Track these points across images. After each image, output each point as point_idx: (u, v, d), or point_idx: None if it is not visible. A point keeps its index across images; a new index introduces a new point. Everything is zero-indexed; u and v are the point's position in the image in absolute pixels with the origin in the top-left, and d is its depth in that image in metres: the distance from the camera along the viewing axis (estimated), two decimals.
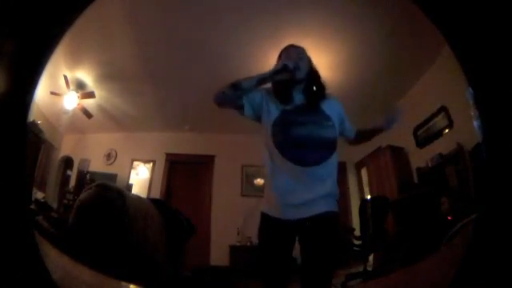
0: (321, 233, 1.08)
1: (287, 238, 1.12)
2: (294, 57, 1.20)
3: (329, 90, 1.27)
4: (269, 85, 1.21)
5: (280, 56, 1.27)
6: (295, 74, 1.15)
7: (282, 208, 1.09)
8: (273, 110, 1.16)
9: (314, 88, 1.22)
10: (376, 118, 3.77)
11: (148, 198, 3.00)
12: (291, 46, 1.27)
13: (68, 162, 3.99)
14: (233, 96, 1.13)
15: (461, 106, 2.31)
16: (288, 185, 1.09)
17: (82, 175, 3.90)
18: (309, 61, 1.27)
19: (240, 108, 1.15)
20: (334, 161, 1.14)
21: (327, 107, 1.20)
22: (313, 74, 1.25)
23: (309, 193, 1.08)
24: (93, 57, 3.09)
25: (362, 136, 1.38)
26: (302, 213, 1.08)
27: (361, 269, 2.71)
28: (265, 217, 1.14)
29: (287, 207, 1.09)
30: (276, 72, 1.13)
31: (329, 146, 1.14)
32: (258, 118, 1.18)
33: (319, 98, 1.21)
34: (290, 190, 1.09)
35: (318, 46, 2.82)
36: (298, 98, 1.19)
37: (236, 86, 1.11)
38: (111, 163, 4.18)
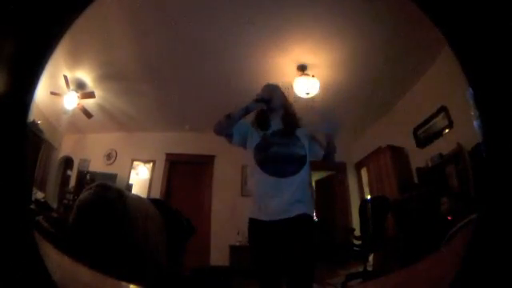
0: (296, 232, 1.29)
1: (270, 237, 1.31)
2: (268, 92, 1.51)
3: (303, 119, 1.56)
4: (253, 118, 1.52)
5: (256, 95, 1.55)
6: (269, 104, 1.47)
7: (264, 212, 1.32)
8: (255, 137, 1.45)
9: (289, 117, 1.51)
10: (376, 117, 3.77)
11: (148, 198, 3.01)
12: (266, 84, 1.58)
13: (68, 162, 3.99)
14: (225, 124, 1.43)
15: (461, 106, 2.31)
16: (267, 193, 1.33)
17: (82, 175, 3.90)
18: (282, 94, 1.57)
19: (230, 136, 1.45)
20: (305, 172, 1.39)
21: (299, 133, 1.47)
22: (287, 106, 1.55)
23: (285, 198, 1.30)
24: (93, 57, 3.09)
25: (327, 155, 1.54)
26: (280, 215, 1.29)
27: (361, 269, 2.71)
28: (251, 221, 1.37)
29: (268, 211, 1.31)
30: (255, 101, 1.44)
31: (300, 161, 1.39)
32: (243, 145, 1.47)
33: (293, 126, 1.49)
34: (270, 197, 1.32)
35: (318, 45, 2.83)
36: (276, 124, 1.47)
37: (228, 116, 1.42)
38: (111, 163, 4.17)
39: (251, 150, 1.43)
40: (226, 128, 1.44)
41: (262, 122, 1.50)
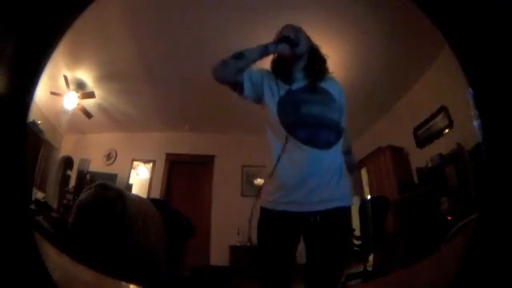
0: (332, 231, 0.96)
1: (291, 235, 0.98)
2: (293, 32, 1.14)
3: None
4: (269, 66, 1.14)
5: (277, 35, 1.20)
6: (295, 49, 1.09)
7: (289, 199, 0.95)
8: (276, 90, 1.07)
9: (316, 66, 1.16)
10: (376, 117, 3.78)
11: (148, 198, 3.00)
12: (287, 25, 1.20)
13: (68, 162, 3.99)
14: (234, 67, 1.04)
15: (461, 105, 2.31)
16: (298, 171, 0.96)
17: (81, 175, 3.90)
18: (308, 38, 1.20)
19: (240, 85, 1.06)
20: (340, 146, 1.05)
21: (330, 86, 1.13)
22: (313, 51, 1.19)
23: (323, 181, 0.95)
24: (93, 57, 3.09)
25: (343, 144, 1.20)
26: (310, 206, 0.93)
27: (361, 269, 2.71)
28: (266, 212, 1.00)
29: (296, 198, 0.94)
30: (278, 42, 1.06)
31: (337, 129, 1.05)
32: (258, 99, 1.09)
33: (322, 76, 1.14)
34: (298, 177, 0.95)
35: (318, 45, 2.82)
36: (300, 77, 1.12)
37: (239, 55, 1.03)
38: (111, 163, 4.17)
39: (273, 108, 1.04)
40: (233, 72, 1.04)
41: (283, 72, 1.11)
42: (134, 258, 1.57)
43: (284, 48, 1.08)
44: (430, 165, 2.89)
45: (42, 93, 3.18)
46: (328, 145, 0.99)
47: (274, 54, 1.10)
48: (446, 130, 2.76)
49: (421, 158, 3.04)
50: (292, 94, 1.06)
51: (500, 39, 0.49)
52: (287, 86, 1.07)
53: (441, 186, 2.62)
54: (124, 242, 1.58)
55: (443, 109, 2.78)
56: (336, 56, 3.05)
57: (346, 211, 0.99)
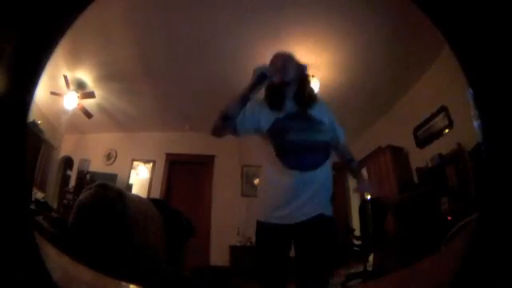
0: (316, 237, 1.09)
1: (282, 242, 1.13)
2: (280, 63, 1.20)
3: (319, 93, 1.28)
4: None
5: (269, 65, 1.26)
6: (282, 77, 1.16)
7: (279, 214, 1.10)
8: (266, 119, 1.16)
9: (305, 95, 1.22)
10: (376, 117, 3.75)
11: (148, 198, 3.00)
12: (277, 54, 1.27)
13: (68, 162, 4.00)
14: (225, 126, 1.13)
15: (461, 105, 2.31)
16: (285, 191, 1.10)
17: (81, 175, 3.91)
18: (297, 66, 1.24)
19: (234, 131, 1.15)
20: (328, 165, 1.17)
21: (318, 112, 1.20)
22: (302, 79, 1.24)
23: (305, 197, 1.09)
24: (93, 57, 3.09)
25: (343, 158, 1.34)
26: (296, 218, 1.09)
27: (361, 269, 2.71)
28: (260, 224, 1.15)
29: (285, 212, 1.09)
30: (254, 83, 1.10)
31: (324, 150, 1.16)
32: (255, 132, 1.18)
33: (310, 104, 1.20)
34: (285, 199, 1.10)
35: (318, 45, 2.83)
36: (289, 104, 1.19)
37: (224, 117, 1.11)
38: (111, 163, 4.18)
39: (264, 135, 1.16)
40: (226, 130, 1.14)
41: (273, 100, 1.19)
42: (134, 258, 1.57)
43: (263, 85, 1.13)
44: (429, 165, 2.89)
45: (42, 93, 3.18)
46: (314, 167, 1.12)
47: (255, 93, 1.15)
48: (446, 130, 2.77)
49: (421, 158, 3.04)
50: (281, 122, 1.15)
51: (500, 39, 0.49)
52: (277, 115, 1.17)
53: (441, 185, 2.62)
54: (124, 241, 1.58)
55: (443, 109, 2.78)
56: (336, 56, 3.06)
57: (327, 218, 1.12)
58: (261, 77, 1.10)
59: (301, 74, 1.24)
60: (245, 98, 1.11)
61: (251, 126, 1.16)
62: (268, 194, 1.16)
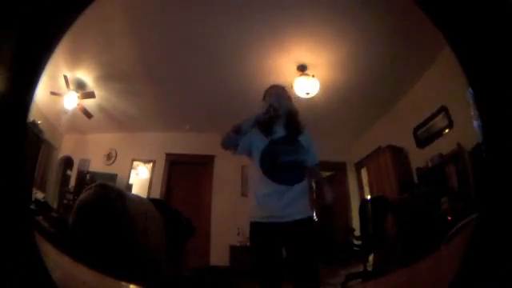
0: (300, 235, 1.32)
1: (273, 240, 1.33)
2: (276, 99, 1.46)
3: (305, 122, 1.53)
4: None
5: (264, 95, 1.55)
6: (277, 112, 1.41)
7: (268, 215, 1.33)
8: (260, 143, 1.42)
9: (293, 124, 1.48)
10: (376, 117, 3.75)
11: (148, 198, 3.00)
12: (273, 87, 1.56)
13: (68, 162, 4.00)
14: (235, 139, 1.41)
15: (461, 106, 2.31)
16: (272, 199, 1.34)
17: (81, 175, 3.90)
18: (288, 98, 1.55)
19: (235, 148, 1.42)
20: (305, 180, 1.42)
21: (303, 139, 1.45)
22: (292, 112, 1.51)
23: (288, 203, 1.33)
24: (93, 57, 3.09)
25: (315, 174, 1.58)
26: (282, 218, 1.31)
27: (361, 269, 2.71)
28: (254, 224, 1.38)
29: (272, 214, 1.32)
30: (266, 112, 1.40)
31: (303, 167, 1.42)
32: (247, 153, 1.45)
33: (298, 133, 1.46)
34: (274, 202, 1.33)
35: (318, 45, 2.83)
36: (279, 130, 1.45)
37: (238, 130, 1.39)
38: (111, 163, 4.18)
39: (257, 156, 1.42)
40: (235, 142, 1.41)
41: (266, 127, 1.45)
42: (134, 258, 1.57)
43: (267, 116, 1.42)
44: (430, 165, 2.89)
45: (42, 93, 3.18)
46: (296, 181, 1.38)
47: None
48: (446, 130, 2.77)
49: (421, 158, 3.04)
50: (271, 145, 1.42)
51: (500, 39, 0.49)
52: (268, 139, 1.43)
53: (441, 186, 2.62)
54: (124, 242, 1.58)
55: (443, 109, 2.78)
56: (336, 56, 3.06)
57: (307, 220, 1.36)
58: (271, 110, 1.40)
59: (291, 107, 1.52)
60: (257, 120, 1.41)
61: (247, 146, 1.43)
62: (260, 199, 1.38)
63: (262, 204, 1.36)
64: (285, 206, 1.33)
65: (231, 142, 1.43)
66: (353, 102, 3.31)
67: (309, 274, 1.32)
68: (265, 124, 1.44)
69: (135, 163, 4.28)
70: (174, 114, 4.07)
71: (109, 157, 4.20)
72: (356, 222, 3.39)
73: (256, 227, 1.38)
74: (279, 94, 1.50)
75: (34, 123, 3.08)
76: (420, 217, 2.52)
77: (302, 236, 1.33)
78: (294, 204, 1.34)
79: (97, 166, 4.08)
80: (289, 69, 2.96)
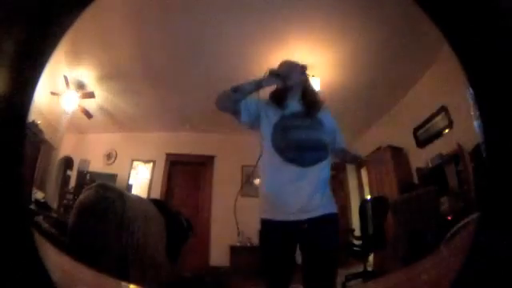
0: (321, 235, 1.10)
1: (288, 241, 1.13)
2: (285, 68, 1.30)
3: (326, 100, 1.36)
4: (266, 95, 1.28)
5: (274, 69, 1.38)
6: (286, 81, 1.24)
7: (282, 210, 1.12)
8: (272, 116, 1.22)
9: (309, 98, 1.30)
10: (376, 117, 3.76)
11: (148, 199, 3.01)
12: (284, 61, 1.37)
13: (68, 162, 3.99)
14: (232, 98, 1.19)
15: (461, 106, 2.31)
16: (286, 187, 1.12)
17: (81, 175, 3.90)
18: (302, 72, 1.34)
19: (238, 113, 1.21)
20: (328, 163, 1.21)
21: (323, 116, 1.27)
22: (307, 86, 1.33)
23: (307, 193, 1.11)
24: (93, 57, 3.09)
25: (344, 155, 1.40)
26: (303, 214, 1.09)
27: (361, 269, 2.71)
28: (265, 222, 1.17)
29: (287, 209, 1.11)
30: (269, 76, 1.22)
31: (324, 149, 1.20)
32: (252, 126, 1.25)
33: (316, 108, 1.27)
34: (288, 192, 1.12)
35: (318, 45, 2.83)
36: (295, 106, 1.26)
37: (236, 89, 1.18)
38: (111, 163, 4.18)
39: (268, 131, 1.20)
40: (231, 103, 1.19)
41: (278, 98, 1.26)
42: (134, 258, 1.57)
43: (275, 82, 1.23)
44: (430, 165, 2.89)
45: (42, 93, 3.18)
46: (315, 162, 1.14)
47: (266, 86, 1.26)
48: (446, 130, 2.77)
49: (421, 158, 3.04)
50: (285, 120, 1.21)
51: (500, 39, 0.49)
52: (281, 112, 1.23)
53: (441, 186, 2.62)
54: (124, 242, 1.58)
55: (443, 109, 2.78)
56: (336, 56, 3.06)
57: (331, 217, 1.14)
58: (274, 75, 1.22)
59: (305, 80, 1.33)
60: (259, 85, 1.20)
61: (252, 121, 1.23)
62: (270, 188, 1.17)
63: (274, 194, 1.14)
64: (302, 197, 1.10)
65: (228, 103, 1.20)
66: (353, 101, 3.30)
67: (326, 281, 1.10)
68: (278, 95, 1.26)
69: (135, 163, 4.28)
70: (174, 114, 4.07)
71: (109, 157, 4.20)
72: (356, 222, 3.39)
73: (266, 226, 1.16)
74: (290, 65, 1.32)
75: (33, 123, 3.07)
76: (420, 217, 2.52)
77: (323, 238, 1.10)
78: (313, 195, 1.11)
79: (97, 166, 4.07)
80: None
